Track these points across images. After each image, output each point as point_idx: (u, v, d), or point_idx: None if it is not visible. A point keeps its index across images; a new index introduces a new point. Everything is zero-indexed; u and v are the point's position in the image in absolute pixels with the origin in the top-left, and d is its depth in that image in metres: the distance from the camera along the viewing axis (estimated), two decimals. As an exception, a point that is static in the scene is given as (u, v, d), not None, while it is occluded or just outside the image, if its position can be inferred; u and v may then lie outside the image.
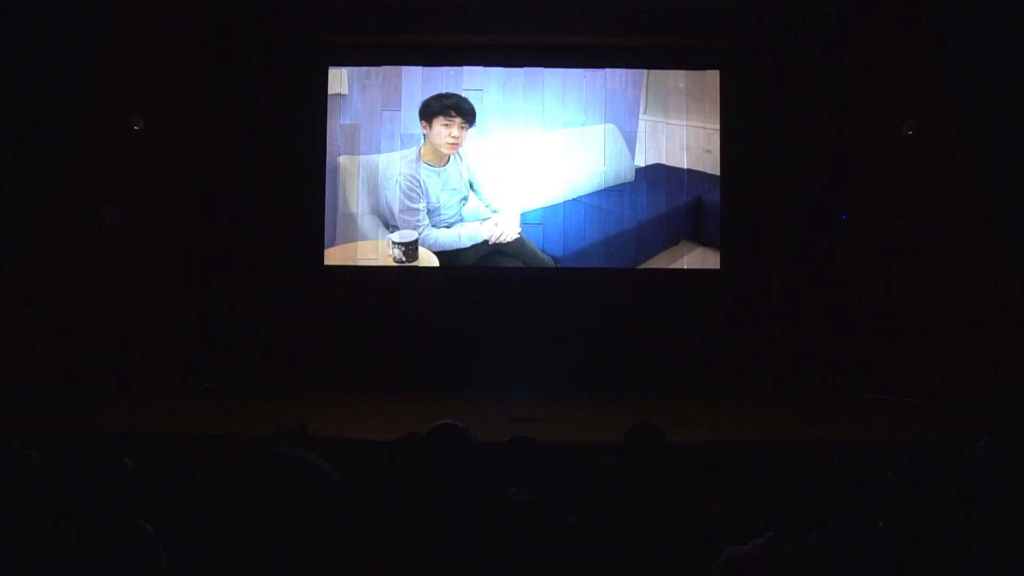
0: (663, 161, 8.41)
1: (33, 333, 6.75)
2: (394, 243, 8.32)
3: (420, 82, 8.44)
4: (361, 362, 8.13)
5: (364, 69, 8.49)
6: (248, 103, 8.43)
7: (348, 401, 7.03)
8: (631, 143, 8.41)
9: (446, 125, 8.32)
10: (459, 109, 8.37)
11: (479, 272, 8.30)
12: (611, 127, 8.42)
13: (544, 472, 2.82)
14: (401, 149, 8.42)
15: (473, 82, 8.45)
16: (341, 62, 8.49)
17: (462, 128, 8.36)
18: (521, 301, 8.14)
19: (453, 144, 8.35)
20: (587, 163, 8.41)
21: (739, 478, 2.29)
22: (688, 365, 8.14)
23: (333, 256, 8.38)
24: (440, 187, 8.35)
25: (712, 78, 8.47)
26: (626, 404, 6.86)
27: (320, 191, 8.38)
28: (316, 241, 8.35)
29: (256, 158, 8.39)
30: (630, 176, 8.39)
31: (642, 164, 8.40)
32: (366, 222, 8.37)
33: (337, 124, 8.46)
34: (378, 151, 8.42)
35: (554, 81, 8.45)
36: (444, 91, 8.44)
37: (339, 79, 8.50)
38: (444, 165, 8.37)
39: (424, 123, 8.40)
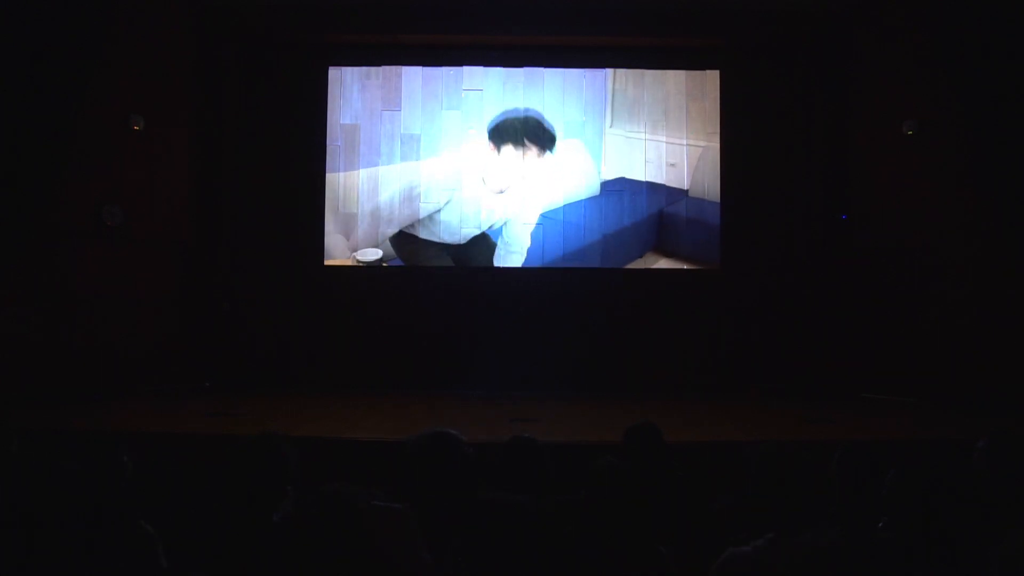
0: (627, 175, 8.35)
1: (33, 333, 6.76)
2: (359, 261, 8.33)
3: (420, 82, 8.44)
4: (361, 362, 8.13)
5: (364, 69, 8.49)
6: (248, 103, 8.42)
7: (348, 401, 7.03)
8: (597, 155, 8.36)
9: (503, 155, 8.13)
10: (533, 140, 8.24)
11: (479, 272, 8.30)
12: (577, 142, 8.35)
13: (545, 473, 2.81)
14: (401, 149, 8.41)
15: (473, 82, 8.45)
16: (341, 62, 8.49)
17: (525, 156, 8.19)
18: (521, 301, 8.14)
19: (501, 192, 8.20)
20: (557, 177, 8.37)
21: (742, 479, 2.29)
22: (688, 365, 8.14)
23: (332, 256, 8.37)
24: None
25: (677, 82, 8.43)
26: (626, 404, 6.85)
27: (320, 191, 8.38)
28: (316, 241, 8.35)
29: (256, 158, 8.38)
30: (595, 190, 8.33)
31: (607, 177, 8.35)
32: (366, 223, 8.37)
33: (337, 124, 8.46)
34: (378, 152, 8.42)
35: (554, 81, 8.45)
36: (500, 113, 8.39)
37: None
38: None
39: (492, 145, 8.31)
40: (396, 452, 2.87)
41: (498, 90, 8.43)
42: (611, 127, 8.38)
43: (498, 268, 8.31)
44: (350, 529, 1.01)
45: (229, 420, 5.84)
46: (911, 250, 7.44)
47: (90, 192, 7.16)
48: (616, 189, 8.33)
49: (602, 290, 8.25)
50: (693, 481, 3.11)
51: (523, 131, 8.36)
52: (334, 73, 8.48)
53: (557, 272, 8.30)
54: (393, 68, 8.48)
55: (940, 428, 5.77)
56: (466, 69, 8.47)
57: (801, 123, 8.37)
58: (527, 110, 8.39)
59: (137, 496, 2.58)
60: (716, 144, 8.38)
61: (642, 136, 8.36)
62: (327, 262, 8.36)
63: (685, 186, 8.36)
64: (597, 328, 8.17)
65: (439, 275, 8.31)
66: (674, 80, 8.47)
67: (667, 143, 8.38)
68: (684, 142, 8.37)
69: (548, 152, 8.31)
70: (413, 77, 8.46)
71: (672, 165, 8.34)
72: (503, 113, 8.39)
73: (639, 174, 8.36)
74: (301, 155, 8.41)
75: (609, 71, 8.44)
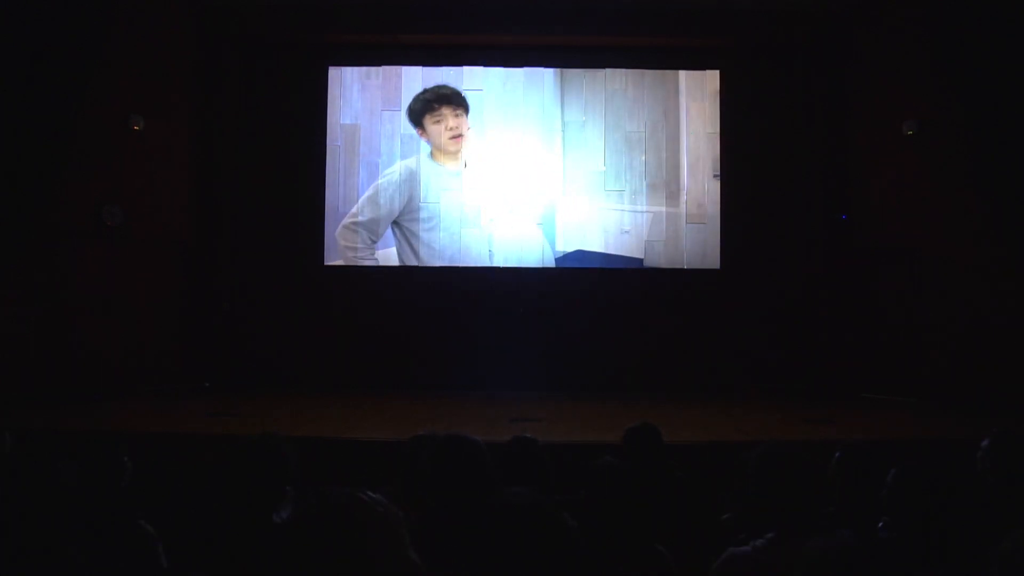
0: (583, 247, 8.24)
1: (33, 333, 6.76)
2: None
3: (420, 82, 8.43)
4: (361, 362, 8.13)
5: (364, 69, 8.48)
6: (248, 103, 8.42)
7: (348, 401, 7.03)
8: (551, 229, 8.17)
9: (437, 122, 7.99)
10: (441, 99, 8.06)
11: (479, 272, 8.30)
12: (536, 218, 8.26)
13: (545, 473, 2.81)
14: (401, 148, 8.40)
15: (473, 82, 8.44)
16: (341, 62, 8.49)
17: (457, 116, 8.04)
18: (521, 301, 8.14)
19: (455, 137, 8.07)
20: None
21: (742, 482, 2.29)
22: (688, 365, 8.13)
23: (332, 256, 8.37)
24: (459, 189, 8.20)
25: (676, 83, 8.45)
26: (626, 404, 6.85)
27: (320, 191, 8.37)
28: (316, 241, 8.35)
29: (256, 158, 8.38)
30: (549, 263, 8.27)
31: (562, 251, 8.24)
32: (366, 223, 8.37)
33: (337, 124, 8.46)
34: (378, 152, 8.42)
35: (554, 81, 8.45)
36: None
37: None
38: (462, 167, 8.17)
39: (419, 130, 8.23)
40: (397, 452, 2.86)
41: (498, 90, 8.42)
42: (565, 194, 8.25)
43: (497, 268, 8.30)
44: (340, 531, 1.01)
45: (229, 420, 5.84)
46: (911, 250, 7.44)
47: (90, 192, 7.15)
48: (573, 263, 8.20)
49: (602, 290, 8.25)
50: (692, 481, 3.12)
51: (431, 100, 8.17)
52: (334, 73, 8.48)
53: (557, 272, 8.30)
54: (393, 68, 8.47)
55: (940, 428, 5.78)
56: (466, 69, 8.46)
57: (801, 123, 8.36)
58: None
59: (137, 496, 2.58)
60: (666, 208, 8.27)
61: (604, 204, 8.24)
62: (327, 262, 8.36)
63: (641, 255, 8.26)
64: (597, 328, 8.17)
65: (439, 275, 8.30)
66: (673, 81, 8.47)
67: (626, 210, 8.25)
68: (641, 208, 8.25)
69: (463, 111, 8.12)
70: (413, 77, 8.46)
71: (626, 232, 8.24)
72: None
73: (595, 245, 8.22)
74: (301, 155, 8.40)
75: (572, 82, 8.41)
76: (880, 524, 2.21)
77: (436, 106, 8.03)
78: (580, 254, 8.22)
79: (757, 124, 8.41)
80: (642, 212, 8.29)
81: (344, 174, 8.42)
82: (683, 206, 8.36)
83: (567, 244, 8.26)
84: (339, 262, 8.32)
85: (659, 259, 8.31)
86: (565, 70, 8.45)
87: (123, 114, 7.36)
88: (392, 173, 8.30)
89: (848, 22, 8.04)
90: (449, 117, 8.06)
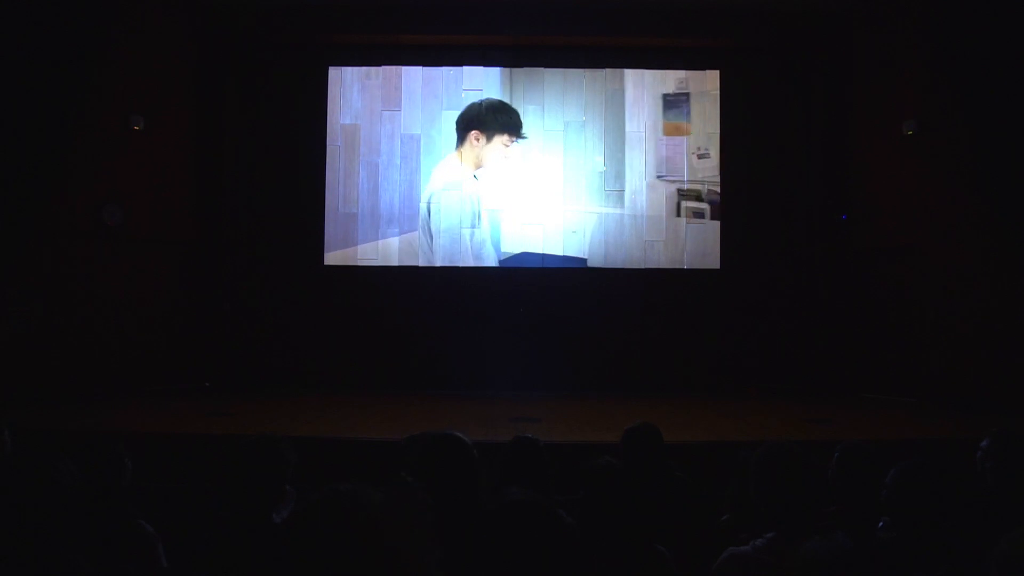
0: (528, 249, 8.28)
1: (32, 333, 6.76)
2: None
3: (420, 82, 8.44)
4: (361, 362, 8.13)
5: (364, 69, 8.48)
6: (248, 103, 8.42)
7: (348, 401, 7.03)
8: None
9: (507, 145, 8.23)
10: (519, 131, 8.29)
11: (479, 272, 8.30)
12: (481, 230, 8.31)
13: (545, 473, 2.81)
14: (401, 149, 8.40)
15: (473, 82, 8.44)
16: (341, 62, 8.49)
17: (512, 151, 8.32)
18: (522, 301, 8.14)
19: (500, 164, 8.28)
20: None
21: (745, 488, 2.28)
22: (688, 365, 8.14)
23: (333, 256, 8.38)
24: (461, 189, 8.36)
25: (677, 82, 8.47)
26: (626, 404, 6.86)
27: (320, 191, 8.38)
28: (316, 241, 8.35)
29: (256, 158, 8.38)
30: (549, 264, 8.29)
31: (509, 253, 8.28)
32: (366, 223, 8.37)
33: (337, 124, 8.46)
34: (378, 152, 8.42)
35: (554, 81, 8.45)
36: (495, 100, 8.36)
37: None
38: (472, 177, 8.36)
39: (480, 134, 8.26)
40: (395, 452, 2.86)
41: (498, 90, 8.43)
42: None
43: (497, 268, 8.31)
44: (352, 528, 1.00)
45: (229, 420, 5.84)
46: (911, 250, 7.45)
47: (90, 192, 7.16)
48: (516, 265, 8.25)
49: (602, 290, 8.25)
50: (692, 481, 3.11)
51: (519, 128, 8.34)
52: (334, 73, 8.48)
53: (556, 272, 8.29)
54: (393, 68, 8.48)
55: (940, 428, 5.78)
56: (466, 69, 8.47)
57: (801, 123, 8.37)
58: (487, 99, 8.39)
59: (137, 496, 2.58)
60: (665, 210, 8.30)
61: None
62: (327, 262, 8.36)
63: (585, 254, 8.28)
64: (597, 328, 8.17)
65: (439, 275, 8.30)
66: (674, 79, 8.46)
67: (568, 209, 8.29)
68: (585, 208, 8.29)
69: (516, 138, 8.27)
70: (413, 77, 8.46)
71: (573, 232, 8.28)
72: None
73: (539, 246, 8.26)
74: (301, 155, 8.41)
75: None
76: (880, 524, 2.22)
77: (517, 138, 8.24)
78: (524, 256, 8.28)
79: (757, 124, 8.41)
80: (640, 215, 8.32)
81: (344, 174, 8.42)
82: (684, 206, 8.37)
83: (513, 246, 8.28)
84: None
85: (658, 259, 8.32)
86: (565, 70, 8.45)
87: (123, 114, 7.37)
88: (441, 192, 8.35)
89: (848, 22, 8.04)
90: (512, 150, 8.26)
